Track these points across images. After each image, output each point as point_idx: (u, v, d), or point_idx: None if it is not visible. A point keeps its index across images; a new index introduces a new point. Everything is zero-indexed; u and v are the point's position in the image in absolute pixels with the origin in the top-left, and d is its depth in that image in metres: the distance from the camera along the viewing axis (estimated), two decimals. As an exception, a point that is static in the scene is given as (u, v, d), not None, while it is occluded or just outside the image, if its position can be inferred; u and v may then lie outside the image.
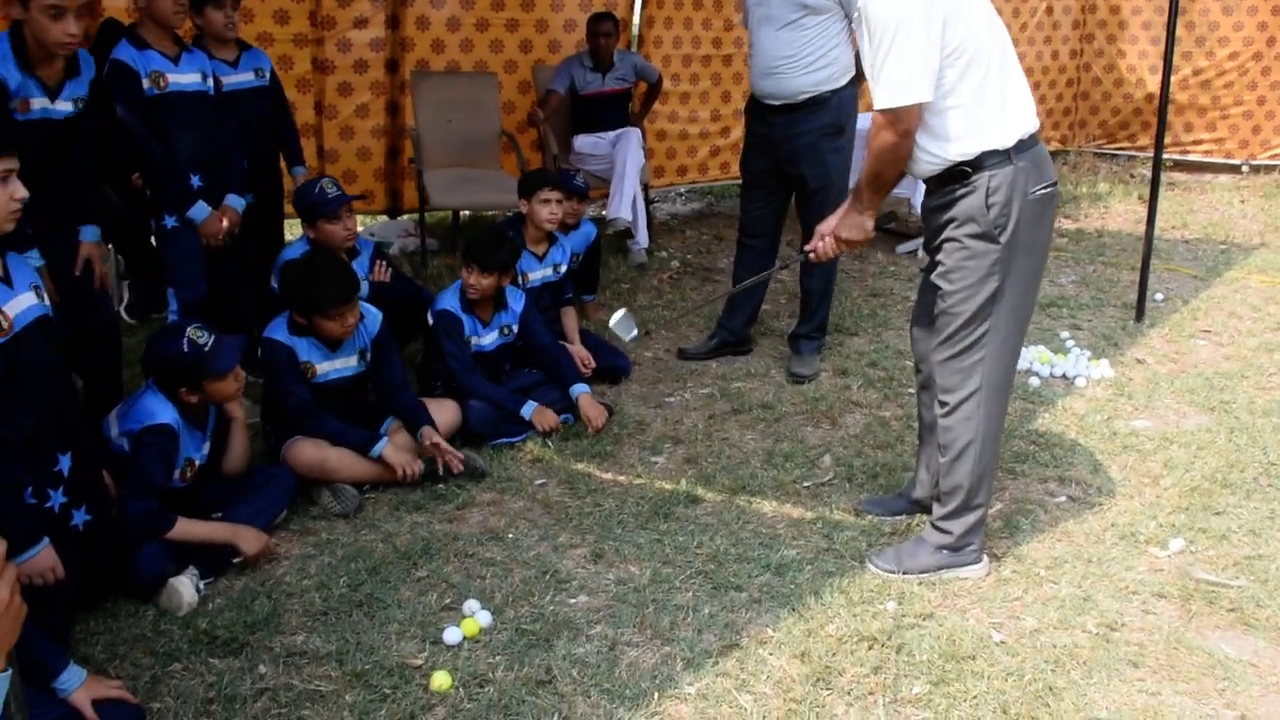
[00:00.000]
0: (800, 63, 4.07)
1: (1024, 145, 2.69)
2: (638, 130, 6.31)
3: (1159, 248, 6.47)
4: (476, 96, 6.32)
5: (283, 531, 3.26)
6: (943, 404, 2.85)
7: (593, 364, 4.32)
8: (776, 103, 4.19)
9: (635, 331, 3.44)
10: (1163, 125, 5.12)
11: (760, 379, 4.45)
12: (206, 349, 2.99)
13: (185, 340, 2.99)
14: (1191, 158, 8.73)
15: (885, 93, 2.61)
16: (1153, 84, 8.74)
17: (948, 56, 2.60)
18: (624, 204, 6.01)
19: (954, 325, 2.77)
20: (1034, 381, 4.35)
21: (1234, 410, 4.08)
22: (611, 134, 6.29)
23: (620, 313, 3.47)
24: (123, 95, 3.57)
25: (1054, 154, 9.03)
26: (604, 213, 6.22)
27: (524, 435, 3.83)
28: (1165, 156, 8.60)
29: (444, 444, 3.48)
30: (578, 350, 4.33)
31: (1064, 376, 4.44)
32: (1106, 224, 7.16)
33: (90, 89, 3.25)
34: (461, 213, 6.64)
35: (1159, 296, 5.50)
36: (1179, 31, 8.28)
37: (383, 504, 3.42)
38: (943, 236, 2.78)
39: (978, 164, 2.67)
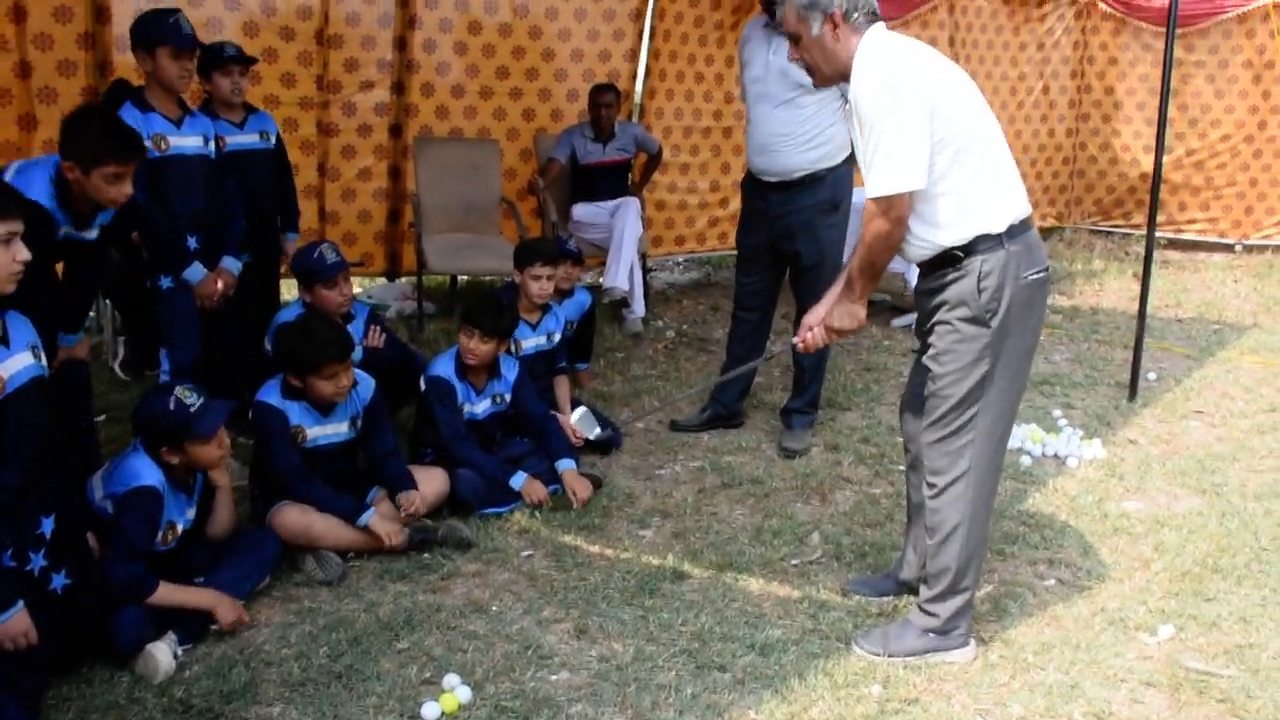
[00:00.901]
0: (796, 140, 4.13)
1: (1016, 230, 2.71)
2: (636, 200, 6.38)
3: (1152, 326, 6.50)
4: (478, 163, 6.40)
5: (265, 598, 3.23)
6: (931, 485, 2.85)
7: (582, 437, 4.31)
8: (772, 179, 4.24)
9: (597, 429, 3.42)
10: (1155, 206, 5.18)
11: (751, 453, 4.44)
12: (192, 410, 2.99)
13: (173, 399, 3.00)
14: (1186, 236, 8.83)
15: (877, 181, 2.65)
16: (1147, 163, 8.86)
17: (937, 144, 2.64)
18: (621, 273, 6.05)
19: (943, 408, 2.77)
20: (1025, 460, 4.35)
21: (1226, 493, 4.07)
22: (610, 203, 6.36)
23: (579, 410, 3.46)
24: (124, 157, 3.61)
25: (1049, 231, 9.17)
26: (601, 281, 6.26)
27: (512, 505, 3.81)
28: (1160, 235, 8.77)
29: (412, 509, 3.49)
30: (567, 421, 4.33)
31: (1056, 456, 4.43)
32: (1101, 301, 7.20)
33: (114, 216, 3.31)
34: (459, 277, 6.68)
35: (1152, 376, 5.52)
36: (1172, 113, 8.47)
37: (367, 572, 3.40)
38: (934, 319, 2.80)
39: (970, 248, 2.69)
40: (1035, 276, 2.74)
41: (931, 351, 2.81)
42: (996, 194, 2.70)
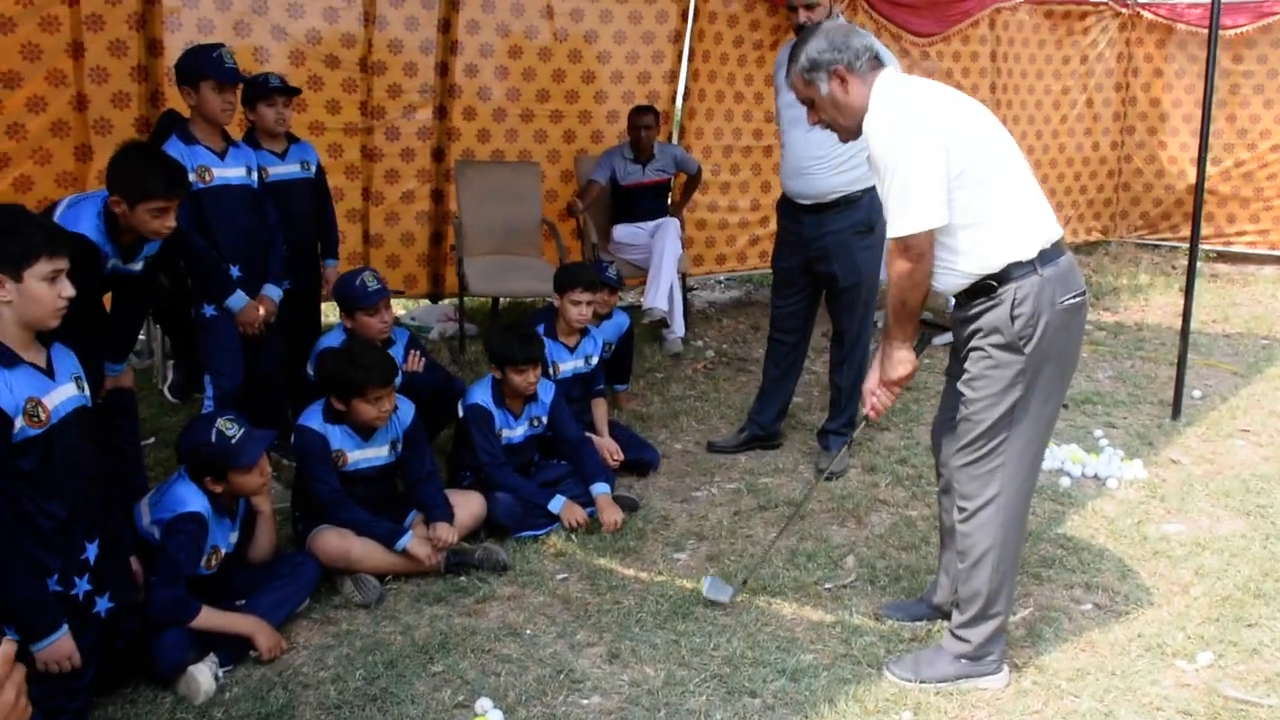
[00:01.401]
0: (830, 163, 4.14)
1: (1048, 255, 2.71)
2: (676, 221, 6.42)
3: (1198, 342, 6.43)
4: (519, 185, 6.48)
5: (304, 620, 3.30)
6: (961, 509, 2.85)
7: (620, 456, 4.35)
8: (807, 201, 4.27)
9: (729, 590, 3.32)
10: (1198, 220, 5.11)
11: (788, 474, 4.45)
12: (234, 441, 3.07)
13: (214, 430, 3.08)
14: (1235, 249, 8.69)
15: (896, 222, 2.68)
16: (1194, 175, 8.72)
17: (957, 179, 2.66)
18: (660, 294, 6.09)
19: (975, 432, 2.77)
20: (1065, 482, 4.31)
21: (1271, 515, 4.00)
22: (650, 224, 6.40)
23: (708, 580, 3.36)
24: (170, 188, 3.73)
25: (1094, 245, 9.08)
26: (641, 302, 6.30)
27: (548, 528, 3.85)
28: (1208, 248, 8.65)
29: (441, 546, 3.52)
30: (605, 443, 4.37)
31: (1096, 477, 4.38)
32: (1146, 317, 7.11)
33: (160, 247, 3.41)
34: (501, 299, 6.76)
35: (1197, 394, 5.44)
36: (1220, 124, 8.37)
37: (404, 595, 3.46)
38: (969, 345, 2.81)
39: (1003, 277, 2.70)
40: (1072, 301, 2.74)
41: (965, 376, 2.81)
42: (1023, 221, 2.71)
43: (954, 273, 2.75)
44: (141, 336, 5.88)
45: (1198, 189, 5.08)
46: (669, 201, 6.73)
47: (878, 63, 2.84)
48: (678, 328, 6.30)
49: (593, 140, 7.08)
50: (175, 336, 5.15)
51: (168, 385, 5.21)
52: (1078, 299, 2.75)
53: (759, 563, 3.51)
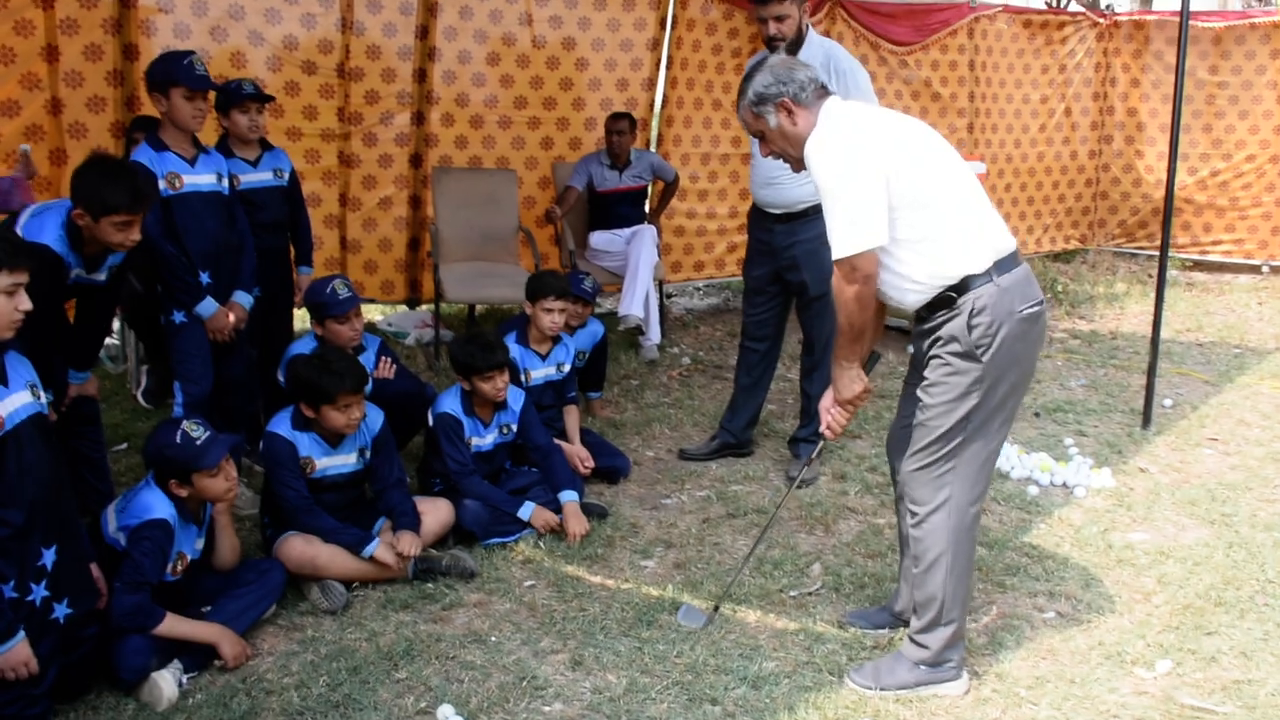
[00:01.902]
0: (799, 174, 4.16)
1: (1004, 265, 2.75)
2: (652, 228, 6.44)
3: (1172, 351, 6.49)
4: (495, 192, 6.49)
5: (270, 626, 3.31)
6: (913, 514, 2.88)
7: (591, 464, 4.37)
8: (777, 211, 4.29)
9: (702, 619, 3.31)
10: (1168, 229, 5.15)
11: (758, 482, 4.47)
12: (198, 443, 3.08)
13: (180, 432, 3.09)
14: (1211, 258, 8.75)
15: (840, 243, 2.72)
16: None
17: (902, 200, 2.71)
18: (636, 301, 6.11)
19: (929, 438, 2.81)
20: (1033, 490, 4.34)
21: (1235, 524, 4.04)
22: (627, 231, 6.42)
23: (683, 609, 3.35)
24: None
25: (1072, 253, 9.14)
26: (616, 309, 6.32)
27: (517, 535, 3.86)
28: (1184, 256, 8.73)
29: (403, 556, 3.51)
30: (576, 450, 4.38)
31: (1064, 485, 4.42)
32: (1121, 325, 7.16)
33: (124, 257, 3.42)
34: (478, 306, 6.77)
35: (1168, 402, 5.48)
36: (1196, 134, 8.44)
37: (371, 602, 3.46)
38: (929, 354, 2.84)
39: (961, 287, 2.74)
40: (1029, 310, 2.77)
41: (924, 383, 2.85)
42: (974, 234, 2.75)
43: (911, 290, 2.79)
44: (116, 341, 5.88)
45: (1167, 198, 5.13)
46: (646, 208, 6.75)
47: (823, 92, 2.90)
48: (654, 335, 6.32)
49: (570, 147, 7.09)
50: (149, 342, 5.14)
51: (141, 391, 5.20)
52: (1035, 308, 2.78)
53: (731, 584, 3.50)
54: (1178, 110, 5.03)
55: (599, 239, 6.52)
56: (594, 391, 5.28)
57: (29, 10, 5.34)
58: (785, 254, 4.32)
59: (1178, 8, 8.80)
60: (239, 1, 5.94)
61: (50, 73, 5.46)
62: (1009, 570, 3.66)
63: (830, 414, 3.02)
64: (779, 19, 4.11)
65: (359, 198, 6.57)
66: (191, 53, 3.88)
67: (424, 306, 6.90)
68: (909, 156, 2.76)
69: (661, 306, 6.69)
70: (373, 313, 7.14)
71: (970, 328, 2.71)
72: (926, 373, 2.83)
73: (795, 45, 4.16)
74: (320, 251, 6.51)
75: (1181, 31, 4.94)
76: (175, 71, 3.77)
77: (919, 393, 2.85)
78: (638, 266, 6.15)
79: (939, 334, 2.78)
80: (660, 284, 6.66)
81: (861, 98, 4.03)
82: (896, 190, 2.69)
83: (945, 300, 2.75)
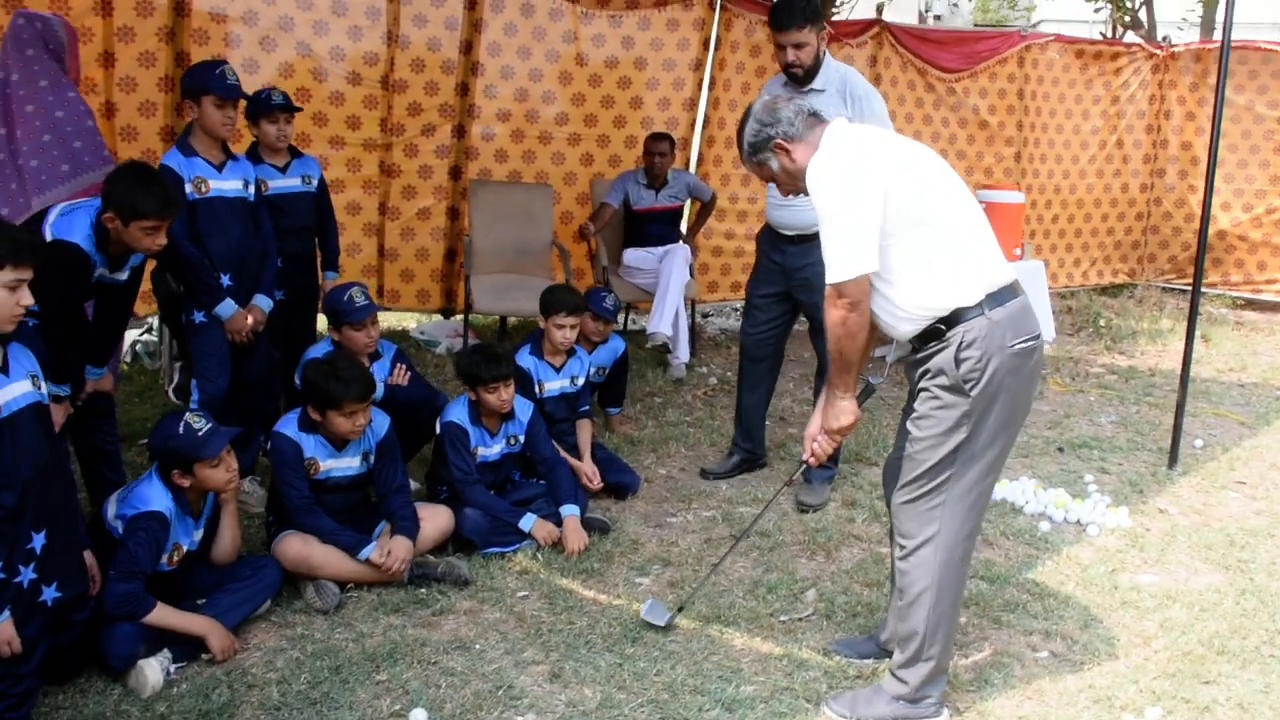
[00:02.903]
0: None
1: (997, 298, 2.72)
2: (686, 248, 6.46)
3: (1211, 391, 6.35)
4: (531, 206, 6.57)
5: (263, 622, 3.38)
6: (900, 547, 2.85)
7: (599, 482, 4.39)
8: (791, 233, 4.29)
9: (669, 615, 3.36)
10: (1200, 265, 5.05)
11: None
12: (200, 434, 3.16)
13: (182, 424, 3.18)
14: (1264, 296, 8.53)
15: (832, 267, 2.71)
16: (1225, 220, 8.63)
17: (896, 226, 2.69)
18: (664, 320, 6.12)
19: (917, 471, 2.78)
20: (1044, 526, 4.26)
21: (1251, 570, 3.92)
22: (660, 249, 6.45)
23: (648, 603, 3.41)
24: (167, 198, 3.85)
25: (1120, 288, 8.97)
26: (645, 327, 6.34)
27: (516, 546, 3.89)
28: (1236, 294, 8.52)
29: (394, 561, 3.55)
30: (585, 466, 4.41)
31: (1078, 523, 4.33)
32: (1161, 363, 7.00)
33: (144, 257, 3.54)
34: (510, 318, 6.85)
35: (1199, 443, 5.35)
36: (1253, 170, 8.24)
37: (364, 603, 3.51)
38: (919, 386, 2.81)
39: (951, 320, 2.71)
40: (1022, 345, 2.73)
41: (913, 415, 2.82)
42: (968, 265, 2.72)
43: (902, 318, 2.77)
44: (154, 338, 6.05)
45: (1201, 232, 5.02)
46: (682, 228, 6.77)
47: (816, 120, 2.89)
48: (682, 354, 6.32)
49: (610, 164, 7.15)
50: (181, 340, 5.27)
51: (173, 387, 5.34)
52: (1029, 343, 2.74)
53: (698, 588, 3.53)
54: (1215, 143, 4.91)
55: (632, 256, 6.56)
56: (613, 407, 5.30)
57: (89, 18, 5.55)
58: (798, 274, 4.31)
59: (1240, 38, 8.67)
60: (289, 13, 6.10)
61: (106, 78, 5.67)
62: (1007, 606, 3.60)
63: (817, 441, 3.01)
64: (798, 46, 4.12)
65: (398, 207, 6.70)
66: (224, 62, 4.00)
67: (458, 317, 6.99)
68: (911, 177, 2.74)
69: (694, 326, 6.70)
70: (408, 320, 7.26)
71: (958, 361, 2.68)
72: (916, 405, 2.81)
73: (813, 71, 4.17)
74: (358, 259, 6.68)
75: (1221, 63, 4.84)
76: (207, 80, 3.89)
77: (908, 424, 2.83)
78: (668, 285, 6.17)
79: (928, 366, 2.75)
80: (693, 303, 6.68)
81: (876, 122, 4.02)
82: (894, 209, 2.66)
83: (935, 332, 2.72)
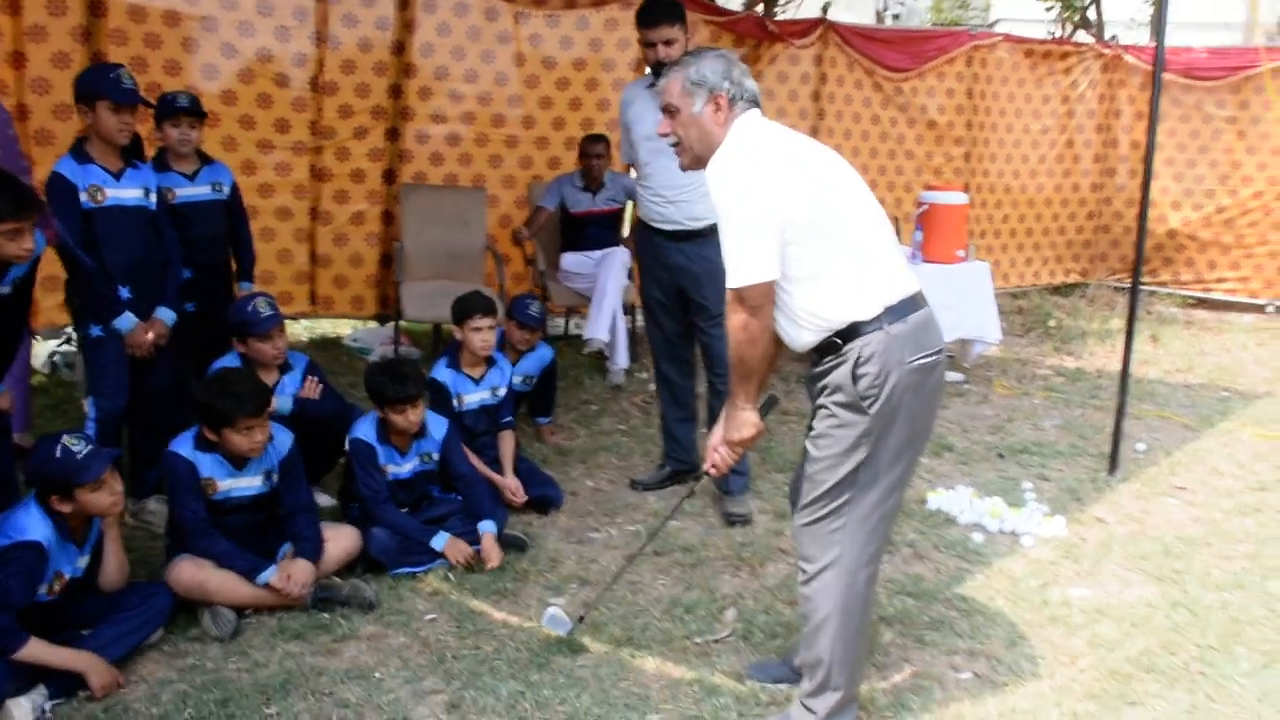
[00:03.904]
0: (699, 190, 4.03)
1: (897, 311, 2.59)
2: (624, 251, 6.31)
3: (1158, 392, 6.29)
4: (464, 210, 6.42)
5: (154, 652, 3.21)
6: (802, 571, 2.72)
7: (522, 496, 4.25)
8: (674, 228, 4.18)
9: (569, 624, 3.28)
10: (1139, 266, 4.96)
11: (694, 518, 4.32)
12: (79, 457, 3.00)
13: (59, 446, 3.01)
14: (1215, 295, 8.50)
15: (733, 272, 2.58)
16: (1175, 219, 8.60)
17: (795, 231, 2.55)
18: (601, 325, 5.99)
19: (816, 492, 2.65)
20: (978, 538, 4.16)
21: (1185, 582, 3.84)
22: (598, 253, 6.31)
23: (550, 610, 3.33)
24: (58, 206, 3.68)
25: (1072, 287, 8.93)
26: (581, 332, 6.21)
27: (428, 565, 3.74)
28: (1188, 294, 8.49)
29: (295, 586, 3.40)
30: (507, 481, 4.27)
31: (1013, 533, 4.23)
32: (1109, 364, 6.92)
33: (28, 269, 3.36)
34: (443, 325, 6.68)
35: (1140, 446, 5.28)
36: (1202, 169, 8.22)
37: (264, 629, 3.35)
38: (816, 403, 2.69)
39: (848, 334, 2.58)
40: (923, 361, 2.61)
41: (811, 434, 2.70)
42: (867, 276, 2.59)
43: (799, 328, 2.64)
44: (73, 348, 5.84)
45: (1139, 231, 4.94)
46: (620, 231, 6.64)
47: (751, 106, 2.76)
48: (620, 359, 6.19)
49: (549, 167, 7.01)
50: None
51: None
52: (930, 358, 2.62)
53: (597, 599, 3.44)
54: (1150, 149, 4.85)
55: (570, 260, 6.42)
56: (543, 417, 5.16)
57: (-3, 17, 5.35)
58: (689, 270, 4.17)
59: (1190, 42, 8.65)
60: (213, 13, 5.92)
61: (17, 79, 5.47)
62: (933, 624, 3.49)
63: (718, 453, 2.87)
64: (668, 43, 4.02)
65: (330, 212, 6.53)
66: (119, 66, 3.83)
67: (394, 323, 6.82)
68: (813, 180, 2.60)
69: (633, 331, 6.56)
70: (341, 327, 7.08)
71: (855, 377, 2.55)
72: (814, 423, 2.68)
73: None
74: (290, 265, 6.51)
75: (1156, 65, 4.77)
76: (102, 84, 3.71)
77: (807, 444, 2.70)
78: (605, 289, 6.04)
79: (825, 382, 2.63)
80: (633, 308, 6.55)
81: None
82: (792, 214, 2.53)
83: (831, 346, 2.60)
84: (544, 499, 4.33)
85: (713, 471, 2.92)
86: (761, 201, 2.53)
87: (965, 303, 6.20)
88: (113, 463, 3.10)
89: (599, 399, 5.89)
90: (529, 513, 4.30)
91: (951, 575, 3.85)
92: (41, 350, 5.98)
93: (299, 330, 7.09)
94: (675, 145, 2.81)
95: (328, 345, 6.77)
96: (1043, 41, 8.81)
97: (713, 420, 4.40)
